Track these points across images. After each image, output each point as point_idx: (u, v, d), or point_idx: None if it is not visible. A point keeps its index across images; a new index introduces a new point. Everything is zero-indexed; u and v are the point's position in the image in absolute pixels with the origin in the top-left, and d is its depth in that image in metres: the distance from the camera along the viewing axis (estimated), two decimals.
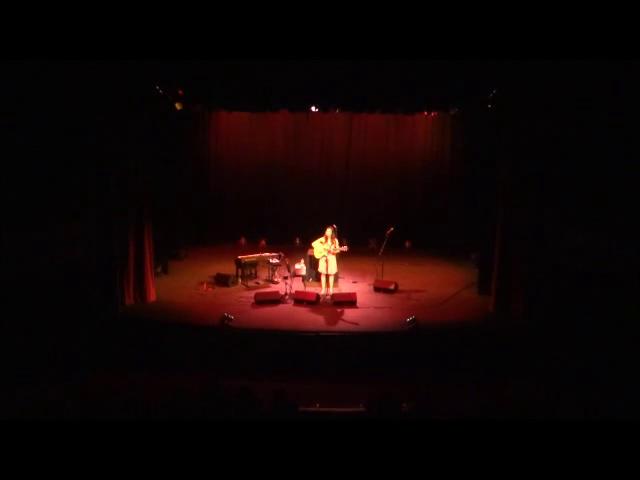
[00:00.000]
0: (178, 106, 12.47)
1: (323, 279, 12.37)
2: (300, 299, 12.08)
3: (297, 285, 12.69)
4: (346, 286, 13.21)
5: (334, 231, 12.19)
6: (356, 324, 10.99)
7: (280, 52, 7.43)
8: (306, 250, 13.35)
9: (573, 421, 5.72)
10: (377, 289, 12.88)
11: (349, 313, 11.55)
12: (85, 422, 5.25)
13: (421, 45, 7.25)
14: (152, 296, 12.21)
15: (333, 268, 12.21)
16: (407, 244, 16.82)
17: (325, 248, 12.05)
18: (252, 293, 12.38)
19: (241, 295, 12.56)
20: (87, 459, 4.51)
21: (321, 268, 12.27)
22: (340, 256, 12.52)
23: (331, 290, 12.34)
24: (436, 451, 4.68)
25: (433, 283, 13.57)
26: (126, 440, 4.72)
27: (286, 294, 12.30)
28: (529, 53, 7.21)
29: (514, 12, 6.78)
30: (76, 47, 6.95)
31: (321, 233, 12.19)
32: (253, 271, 13.85)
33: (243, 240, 17.06)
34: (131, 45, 7.08)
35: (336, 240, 12.14)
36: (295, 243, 16.51)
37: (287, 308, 11.88)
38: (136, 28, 6.86)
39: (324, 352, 10.35)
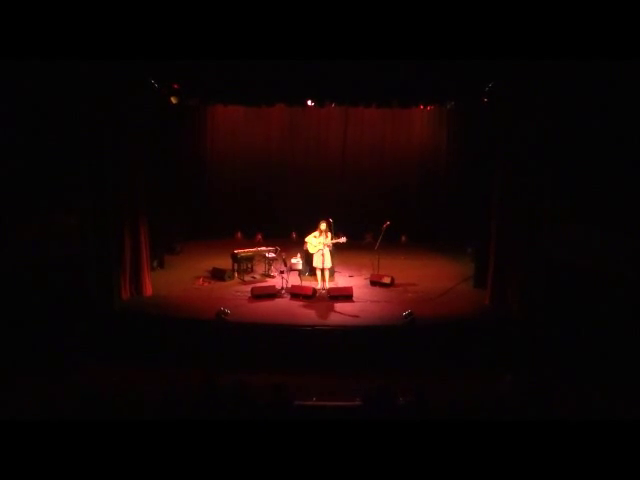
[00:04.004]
0: (174, 100, 12.40)
1: (319, 273, 12.38)
2: (296, 293, 12.09)
3: (293, 279, 12.69)
4: (342, 280, 13.22)
5: (329, 225, 12.20)
6: (352, 318, 11.01)
7: (278, 53, 7.43)
8: (302, 244, 13.34)
9: (571, 420, 5.75)
10: (373, 283, 12.89)
11: (345, 307, 11.56)
12: (85, 422, 5.26)
13: (419, 45, 7.25)
14: (148, 290, 12.19)
15: (328, 262, 12.21)
16: (403, 238, 16.80)
17: (320, 241, 12.04)
18: (248, 287, 12.38)
19: (237, 289, 12.56)
20: (87, 459, 4.51)
21: (316, 263, 12.26)
22: (336, 250, 12.54)
23: (327, 284, 12.34)
24: (433, 450, 4.70)
25: (429, 277, 13.58)
26: (126, 440, 4.72)
27: (282, 288, 12.31)
28: (527, 51, 7.22)
29: (512, 10, 6.78)
30: (75, 47, 6.94)
31: (316, 227, 12.20)
32: (249, 265, 13.83)
33: (239, 234, 17.03)
34: (129, 45, 7.08)
35: (329, 233, 12.14)
36: (291, 237, 16.47)
37: (283, 302, 11.89)
38: (134, 28, 6.85)
39: (320, 346, 10.36)
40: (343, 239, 12.20)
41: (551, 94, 10.46)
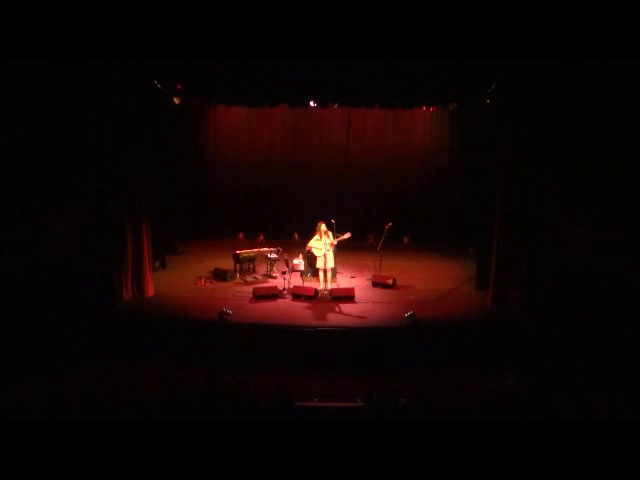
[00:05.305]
0: (177, 100, 12.44)
1: (321, 274, 12.36)
2: (298, 294, 12.09)
3: (295, 280, 12.69)
4: (344, 281, 13.21)
5: (330, 225, 12.21)
6: (354, 319, 10.99)
7: (280, 53, 7.44)
8: (304, 245, 13.35)
9: (572, 421, 5.74)
10: (375, 284, 12.87)
11: (347, 308, 11.55)
12: (85, 422, 5.26)
13: (420, 45, 7.25)
14: (150, 291, 12.20)
15: (331, 262, 12.20)
16: (405, 239, 16.80)
17: (326, 243, 12.00)
18: (250, 288, 12.37)
19: (239, 290, 12.55)
20: (87, 459, 4.51)
21: (319, 264, 12.25)
22: (338, 251, 12.52)
23: (329, 285, 12.34)
24: (434, 451, 4.69)
25: (431, 278, 13.57)
26: (126, 440, 4.72)
27: (284, 289, 12.31)
28: (528, 52, 7.22)
29: (513, 11, 6.78)
30: (76, 47, 6.95)
31: (315, 230, 12.20)
32: (251, 266, 13.84)
33: (241, 235, 17.06)
34: (132, 45, 7.09)
35: (330, 233, 12.14)
36: (293, 238, 16.50)
37: (285, 303, 11.89)
38: (135, 28, 6.86)
39: (322, 347, 10.35)
40: (348, 234, 12.19)
41: (552, 95, 10.46)
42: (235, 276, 13.37)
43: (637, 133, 9.72)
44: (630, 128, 9.83)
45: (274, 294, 12.15)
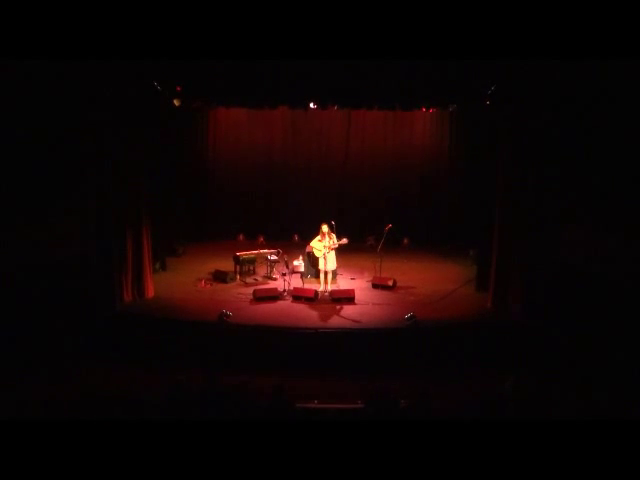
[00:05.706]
0: (176, 102, 12.43)
1: (321, 276, 12.37)
2: (298, 295, 12.08)
3: (295, 282, 12.68)
4: (344, 283, 13.20)
5: (330, 227, 12.20)
6: (354, 320, 10.99)
7: (280, 53, 7.45)
8: (304, 247, 13.34)
9: (572, 421, 5.74)
10: (375, 286, 12.87)
11: (347, 309, 11.55)
12: (85, 422, 5.26)
13: (420, 45, 7.26)
14: (150, 293, 12.19)
15: (332, 264, 12.20)
16: (405, 241, 16.79)
17: (324, 245, 12.03)
18: (250, 289, 12.37)
19: (239, 292, 12.55)
20: (87, 459, 4.51)
21: (320, 265, 12.27)
22: (338, 252, 12.52)
23: (329, 286, 12.33)
24: (434, 451, 4.69)
25: (431, 280, 13.56)
26: (126, 440, 4.72)
27: (284, 291, 12.30)
28: (528, 52, 7.23)
29: (512, 11, 6.79)
30: (76, 47, 6.96)
31: (318, 230, 12.20)
32: (251, 268, 13.84)
33: (241, 237, 17.06)
34: (131, 45, 7.09)
35: (333, 235, 12.13)
36: (293, 239, 16.51)
37: (285, 305, 11.88)
38: (136, 28, 6.86)
39: (322, 348, 10.34)
40: (344, 240, 12.19)
41: (552, 96, 10.46)
42: (235, 278, 13.37)
43: (637, 133, 9.73)
44: (630, 128, 9.83)
45: (274, 296, 12.15)
